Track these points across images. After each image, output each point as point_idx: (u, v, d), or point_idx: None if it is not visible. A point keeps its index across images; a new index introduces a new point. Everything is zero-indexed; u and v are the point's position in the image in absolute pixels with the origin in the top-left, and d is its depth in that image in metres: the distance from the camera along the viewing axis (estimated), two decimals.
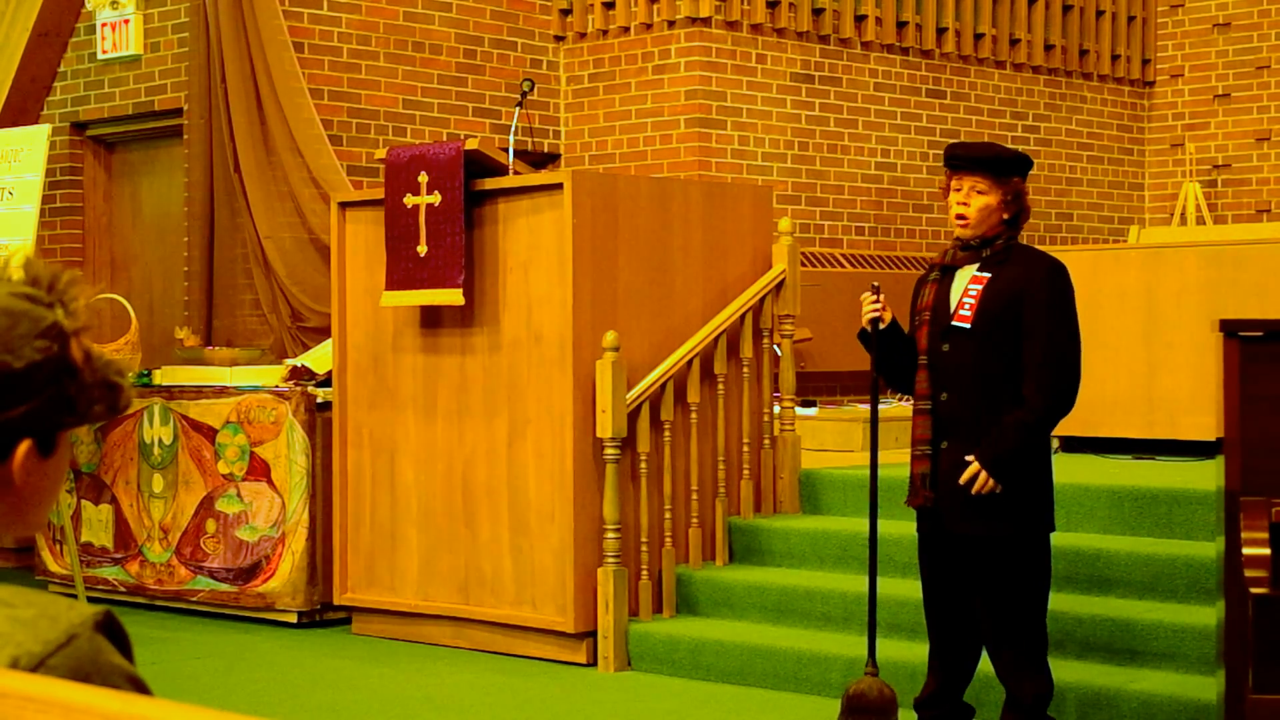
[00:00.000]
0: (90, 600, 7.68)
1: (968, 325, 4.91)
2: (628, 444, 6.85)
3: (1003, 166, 4.96)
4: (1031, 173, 11.88)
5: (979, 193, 4.94)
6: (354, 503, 7.58)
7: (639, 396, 6.82)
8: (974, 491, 4.88)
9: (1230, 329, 4.51)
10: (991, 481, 4.88)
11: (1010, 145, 11.60)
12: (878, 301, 5.10)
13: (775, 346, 7.43)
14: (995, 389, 4.91)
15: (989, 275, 4.93)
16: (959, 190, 4.97)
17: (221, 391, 7.97)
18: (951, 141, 5.22)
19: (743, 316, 7.23)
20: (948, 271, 5.03)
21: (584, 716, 6.07)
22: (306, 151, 8.87)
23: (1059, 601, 6.18)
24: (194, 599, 8.00)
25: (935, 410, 4.99)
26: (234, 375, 8.10)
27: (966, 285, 4.97)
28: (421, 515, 7.35)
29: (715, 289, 7.24)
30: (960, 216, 4.96)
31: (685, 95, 10.04)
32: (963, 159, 4.97)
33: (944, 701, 5.26)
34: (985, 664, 5.91)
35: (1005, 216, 4.97)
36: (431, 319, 7.29)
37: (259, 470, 7.74)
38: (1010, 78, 11.63)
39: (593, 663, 6.81)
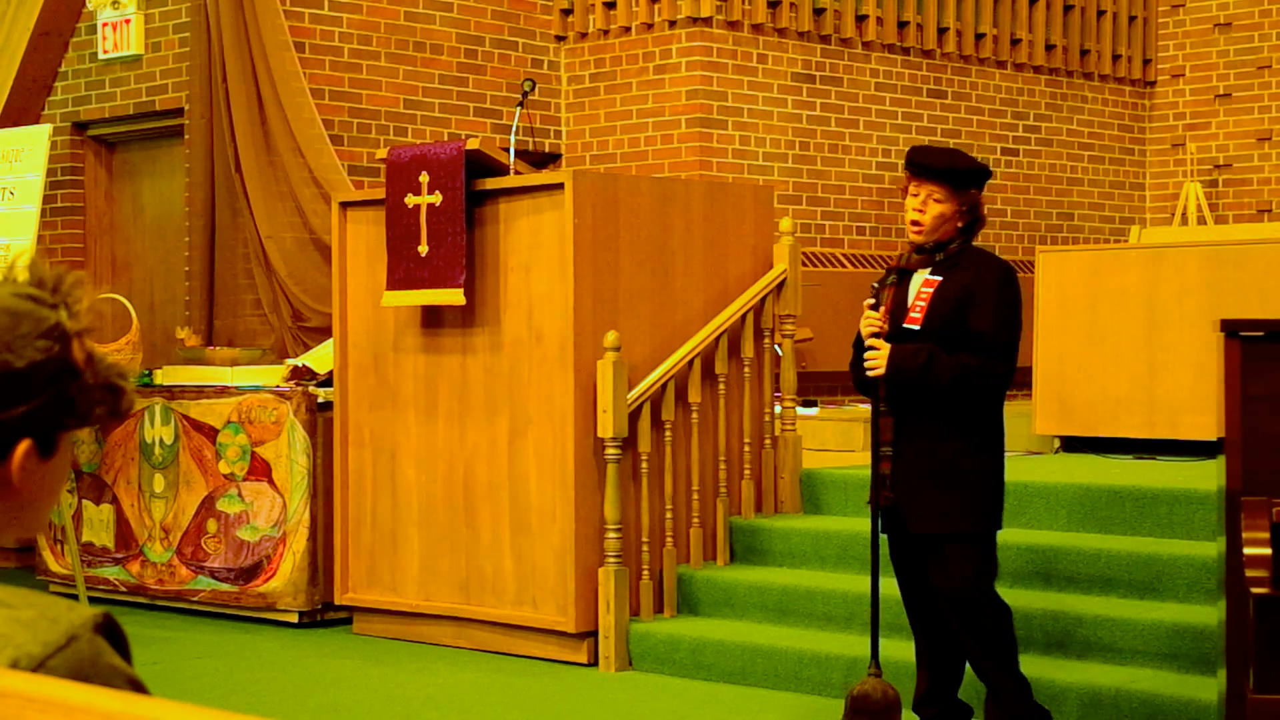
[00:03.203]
0: (91, 600, 7.69)
1: (917, 328, 4.97)
2: (629, 444, 6.85)
3: (962, 178, 5.00)
4: (1032, 173, 11.85)
5: (936, 200, 4.99)
6: (355, 502, 7.58)
7: (640, 396, 6.83)
8: (865, 365, 5.00)
9: (1231, 329, 4.51)
10: (881, 368, 4.94)
11: (1011, 145, 11.61)
12: (877, 308, 5.09)
13: (776, 346, 7.43)
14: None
15: (940, 279, 5.00)
16: (916, 196, 5.02)
17: (222, 391, 7.97)
18: (914, 145, 5.24)
19: (744, 316, 7.23)
20: (904, 275, 5.08)
21: (585, 716, 6.07)
22: (308, 151, 8.87)
23: (1060, 601, 6.19)
24: (195, 599, 8.00)
25: (894, 412, 5.02)
26: (235, 375, 8.10)
27: (919, 289, 5.02)
28: (422, 515, 7.35)
29: (716, 289, 7.24)
30: (915, 223, 5.02)
31: (686, 95, 10.04)
32: (922, 167, 5.00)
33: (938, 699, 5.27)
34: None
35: (960, 225, 5.04)
36: (432, 319, 7.30)
37: (260, 470, 7.75)
38: (1011, 77, 11.63)
39: (594, 663, 6.81)
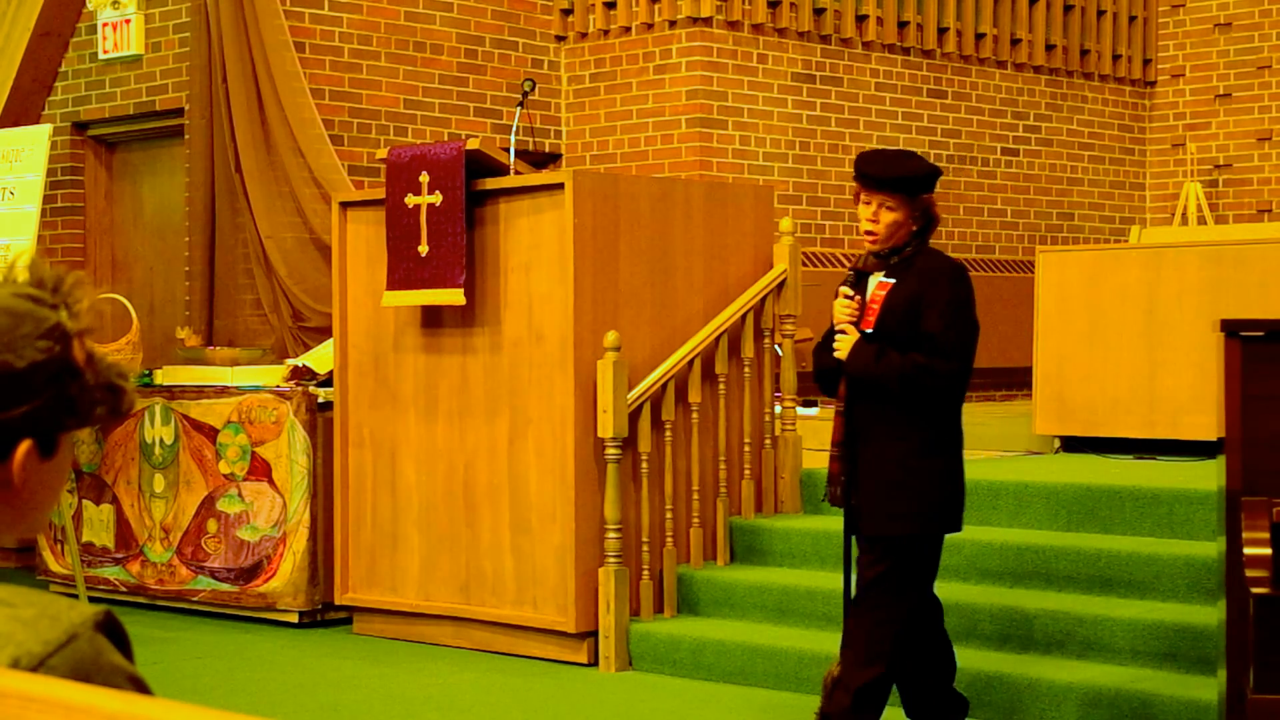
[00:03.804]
0: (91, 600, 7.68)
1: (870, 331, 4.98)
2: (629, 444, 6.85)
3: (913, 185, 4.99)
4: (1032, 173, 11.85)
5: (888, 209, 4.98)
6: (355, 502, 7.58)
7: (640, 396, 6.83)
8: (833, 347, 5.01)
9: (1231, 329, 4.51)
10: (842, 354, 4.96)
11: (1011, 145, 11.61)
12: (853, 299, 5.08)
13: (776, 346, 7.43)
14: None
15: (893, 282, 5.01)
16: (869, 205, 5.01)
17: (223, 391, 7.97)
18: (861, 153, 5.22)
19: (744, 316, 7.23)
20: (862, 277, 5.09)
21: (585, 716, 6.07)
22: (308, 151, 8.87)
23: (1060, 601, 6.19)
24: (195, 599, 8.00)
25: (850, 413, 5.02)
26: (235, 375, 8.10)
27: (874, 292, 5.04)
28: (422, 515, 7.35)
29: (716, 289, 7.24)
30: (870, 233, 5.02)
31: (686, 95, 10.04)
32: (872, 178, 4.99)
33: (922, 696, 5.24)
34: (988, 664, 5.91)
35: (914, 229, 5.03)
36: (433, 319, 7.30)
37: (260, 470, 7.75)
38: (1011, 77, 11.63)
39: (594, 663, 6.81)
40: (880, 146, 10.80)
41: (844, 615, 5.20)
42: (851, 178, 5.18)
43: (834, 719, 5.03)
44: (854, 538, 5.20)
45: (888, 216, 4.98)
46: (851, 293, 5.07)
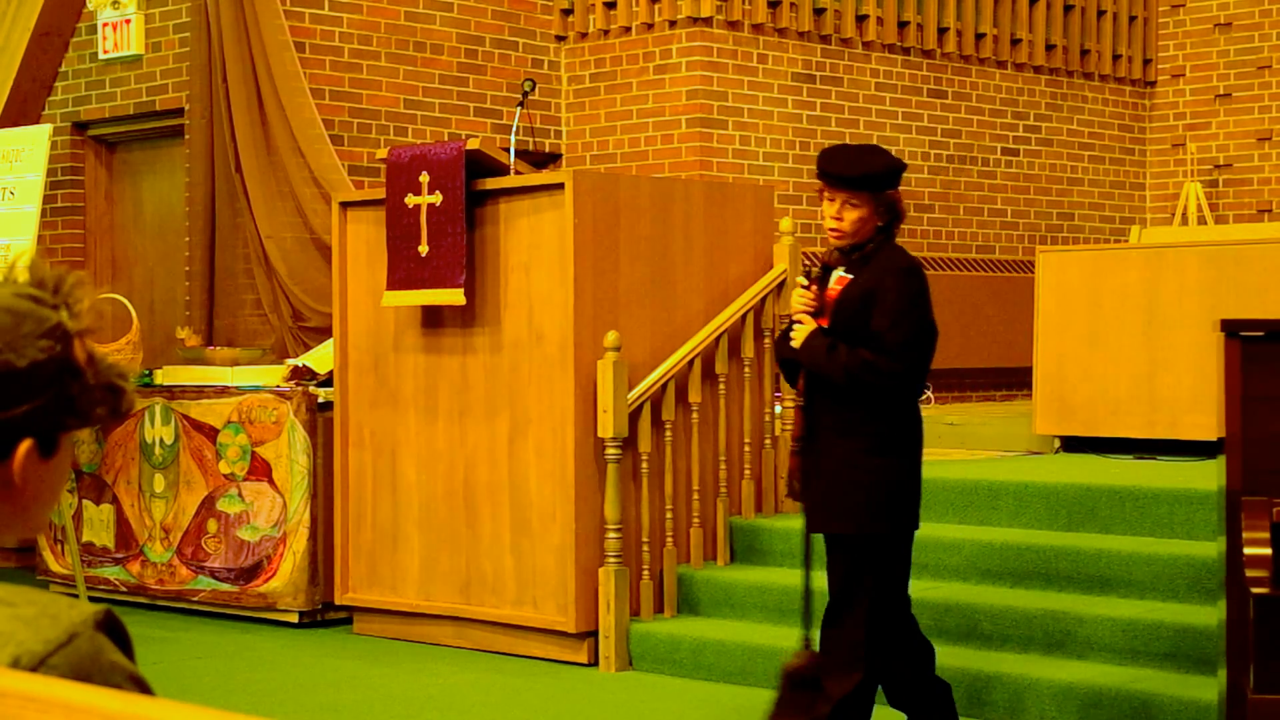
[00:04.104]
0: (92, 600, 7.68)
1: (825, 326, 4.98)
2: (629, 444, 6.85)
3: (875, 182, 4.96)
4: (1032, 173, 11.84)
5: (852, 206, 4.96)
6: (355, 502, 7.58)
7: (640, 396, 6.83)
8: (791, 335, 5.01)
9: (1231, 329, 4.51)
10: (797, 342, 4.97)
11: (1012, 145, 11.61)
12: (809, 289, 5.07)
13: None
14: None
15: (851, 277, 5.01)
16: (832, 203, 4.99)
17: (223, 391, 7.97)
18: (824, 150, 5.20)
19: (744, 316, 7.23)
20: (827, 271, 5.09)
21: (585, 716, 6.07)
22: (308, 151, 8.87)
23: (1060, 601, 6.19)
24: (195, 599, 8.00)
25: (810, 408, 5.02)
26: (235, 375, 8.10)
27: (832, 287, 5.04)
28: (423, 515, 7.35)
29: (717, 289, 7.24)
30: (835, 230, 5.01)
31: (686, 95, 10.04)
32: (835, 177, 4.96)
33: (915, 683, 5.24)
34: (989, 664, 5.91)
35: (879, 224, 5.01)
36: (433, 319, 7.30)
37: (260, 470, 7.75)
38: (1011, 77, 11.63)
39: (594, 663, 6.81)
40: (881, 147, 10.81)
41: (802, 613, 5.20)
42: (815, 175, 5.16)
43: None
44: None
45: (852, 214, 4.96)
46: (807, 283, 5.05)
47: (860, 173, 4.95)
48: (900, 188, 5.11)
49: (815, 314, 5.03)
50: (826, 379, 4.95)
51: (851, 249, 5.02)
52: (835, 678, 5.00)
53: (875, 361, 4.87)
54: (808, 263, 5.19)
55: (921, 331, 4.97)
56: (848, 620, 5.02)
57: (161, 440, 8.14)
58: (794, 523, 7.21)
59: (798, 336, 5.02)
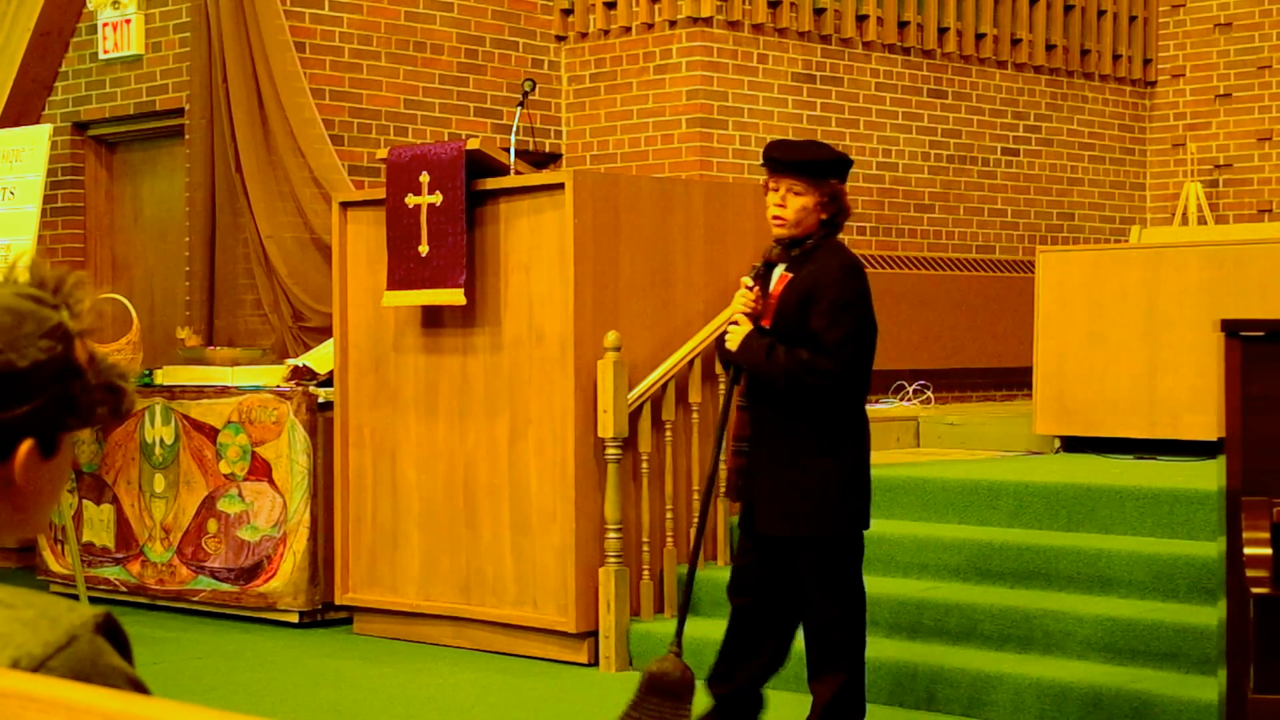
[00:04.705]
0: (92, 600, 7.69)
1: (767, 326, 4.96)
2: (629, 444, 6.85)
3: (819, 169, 4.95)
4: (1032, 173, 11.83)
5: (795, 194, 4.94)
6: (355, 503, 7.59)
7: (640, 396, 6.83)
8: (726, 339, 4.97)
9: (1231, 329, 4.51)
10: (733, 343, 4.93)
11: (1012, 145, 11.61)
12: (753, 289, 5.04)
13: None
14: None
15: (791, 275, 4.98)
16: (776, 191, 4.97)
17: (223, 391, 7.97)
18: (771, 140, 5.20)
19: None
20: (769, 269, 5.07)
21: (585, 716, 6.07)
22: (308, 151, 8.87)
23: (1060, 601, 6.19)
24: (195, 599, 8.00)
25: (754, 409, 5.01)
26: (235, 375, 8.10)
27: (774, 285, 5.02)
28: (423, 515, 7.36)
29: (717, 289, 7.24)
30: (777, 218, 4.98)
31: (687, 95, 10.04)
32: (779, 161, 4.95)
33: (734, 681, 5.25)
34: (989, 664, 5.91)
35: (823, 217, 4.98)
36: (433, 319, 7.30)
37: (260, 470, 7.75)
38: (1011, 77, 11.63)
39: (594, 663, 6.81)
40: (880, 147, 10.82)
41: (679, 617, 5.28)
42: (765, 167, 5.14)
43: None
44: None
45: (795, 202, 4.94)
46: (751, 283, 5.02)
47: (803, 158, 4.95)
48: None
49: (757, 314, 5.00)
50: (767, 380, 4.93)
51: (792, 244, 4.98)
52: (819, 687, 5.10)
53: (812, 361, 4.84)
54: (756, 265, 5.16)
55: (860, 330, 4.93)
56: (821, 622, 5.05)
57: (162, 440, 8.14)
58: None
59: (733, 338, 4.97)
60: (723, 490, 5.16)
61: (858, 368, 4.93)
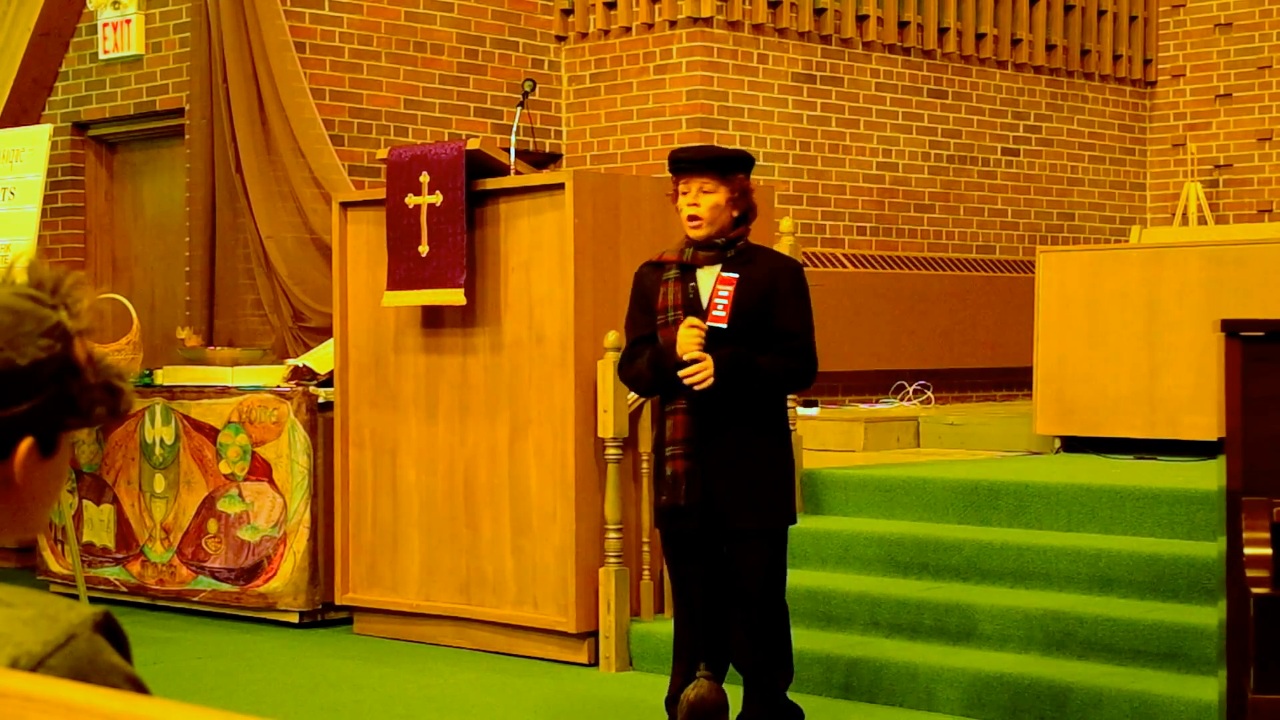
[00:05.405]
0: (92, 600, 7.69)
1: (724, 326, 4.97)
2: (629, 444, 6.85)
3: (725, 165, 5.09)
4: (1033, 173, 11.83)
5: (706, 192, 5.07)
6: (355, 503, 7.59)
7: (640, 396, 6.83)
8: (691, 378, 4.88)
9: (1232, 329, 4.50)
10: (707, 379, 4.88)
11: (1012, 145, 11.61)
12: (699, 327, 4.95)
13: None
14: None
15: (736, 275, 5.01)
16: (687, 193, 5.11)
17: (223, 391, 7.97)
18: (673, 149, 5.35)
19: None
20: (688, 270, 5.07)
21: (585, 716, 6.07)
22: (308, 151, 8.87)
23: (1060, 601, 6.19)
24: (195, 599, 8.00)
25: (699, 410, 4.97)
26: (235, 375, 8.10)
27: (715, 286, 5.01)
28: (423, 515, 7.36)
29: None
30: (693, 218, 5.08)
31: (687, 95, 10.04)
32: (686, 162, 5.12)
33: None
34: (989, 664, 5.91)
35: (735, 214, 5.09)
36: (433, 319, 7.30)
37: (260, 470, 7.75)
38: (1012, 78, 11.63)
39: (594, 663, 6.81)
40: (881, 147, 10.82)
41: (707, 620, 5.27)
42: (668, 170, 5.25)
43: None
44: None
45: (707, 200, 5.06)
46: (699, 322, 4.94)
47: (708, 155, 5.15)
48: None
49: (699, 312, 4.99)
50: (764, 386, 4.99)
51: (725, 245, 5.05)
52: (771, 686, 5.24)
53: (798, 365, 5.02)
54: (671, 272, 5.11)
55: (813, 327, 5.14)
56: (772, 624, 5.18)
57: (162, 440, 8.14)
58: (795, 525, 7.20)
59: (701, 375, 4.88)
60: (665, 498, 5.05)
61: (816, 362, 5.15)
